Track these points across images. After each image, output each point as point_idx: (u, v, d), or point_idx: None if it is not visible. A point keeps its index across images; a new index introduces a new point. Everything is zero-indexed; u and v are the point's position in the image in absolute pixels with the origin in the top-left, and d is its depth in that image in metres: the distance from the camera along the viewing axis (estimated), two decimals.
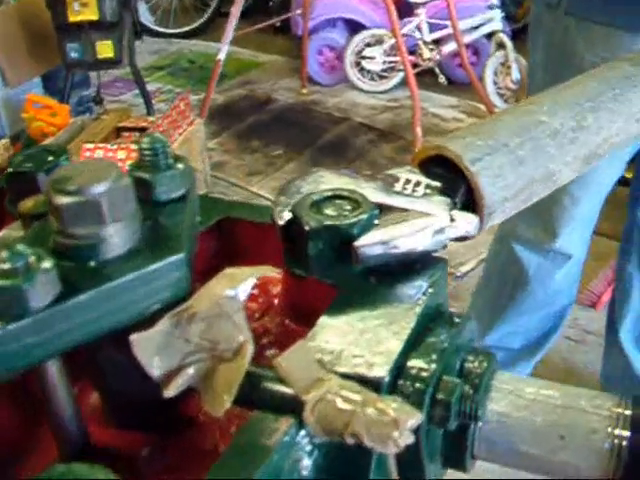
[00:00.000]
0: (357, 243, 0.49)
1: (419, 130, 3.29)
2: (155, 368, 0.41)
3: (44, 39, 3.34)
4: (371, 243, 0.49)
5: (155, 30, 5.40)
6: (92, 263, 0.40)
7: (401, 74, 4.16)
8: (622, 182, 3.23)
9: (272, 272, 0.45)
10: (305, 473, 0.41)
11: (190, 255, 0.43)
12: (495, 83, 4.02)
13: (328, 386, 0.41)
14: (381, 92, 4.37)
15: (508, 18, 4.12)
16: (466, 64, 3.87)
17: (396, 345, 0.45)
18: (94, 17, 3.21)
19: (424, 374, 0.45)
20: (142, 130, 3.06)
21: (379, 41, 4.25)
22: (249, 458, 0.38)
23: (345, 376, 0.43)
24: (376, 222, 0.51)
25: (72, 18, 3.19)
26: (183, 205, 0.46)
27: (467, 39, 4.05)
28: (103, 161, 0.41)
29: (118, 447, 0.47)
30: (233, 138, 3.96)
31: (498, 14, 4.06)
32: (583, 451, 0.48)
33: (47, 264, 0.37)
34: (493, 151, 0.59)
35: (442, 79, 4.32)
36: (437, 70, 4.29)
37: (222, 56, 3.69)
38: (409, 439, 0.39)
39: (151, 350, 0.40)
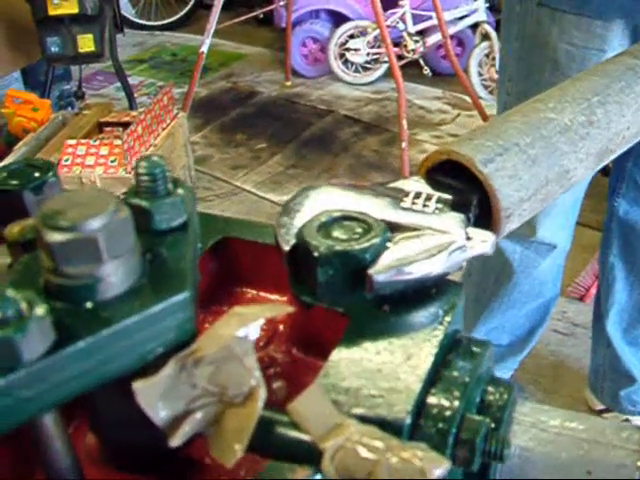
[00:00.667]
0: (371, 271, 0.46)
1: (404, 122, 3.26)
2: (160, 416, 0.37)
3: (24, 33, 3.28)
4: (386, 270, 0.46)
5: (136, 22, 5.33)
6: (88, 305, 0.36)
7: (385, 66, 4.13)
8: (607, 173, 3.24)
9: (283, 311, 0.42)
10: None
11: (195, 291, 0.39)
12: (480, 74, 4.00)
13: (347, 433, 0.38)
14: (365, 84, 4.34)
15: (492, 9, 4.09)
16: (451, 55, 3.83)
17: (416, 382, 0.42)
18: (74, 10, 3.16)
19: (447, 413, 0.42)
20: (125, 125, 3.02)
21: (363, 33, 4.21)
22: None
23: (364, 418, 0.40)
24: (388, 244, 0.48)
25: (52, 12, 3.13)
26: (185, 234, 0.42)
27: (451, 30, 4.02)
28: (98, 190, 0.38)
29: None
30: (217, 132, 3.92)
31: (482, 5, 4.04)
32: None
33: (40, 311, 0.33)
34: (504, 151, 0.56)
35: (427, 71, 4.29)
36: (422, 62, 4.26)
37: (205, 49, 3.64)
38: None
39: (156, 398, 0.37)
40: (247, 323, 0.37)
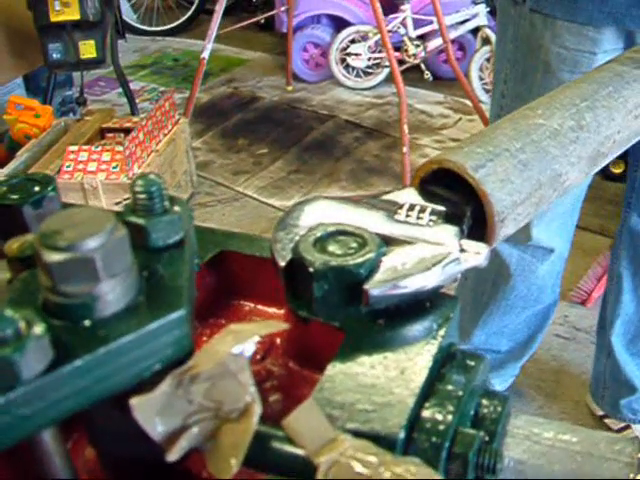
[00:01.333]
0: (367, 285, 0.46)
1: (406, 127, 3.26)
2: (157, 431, 0.38)
3: (26, 40, 3.30)
4: (382, 284, 0.46)
5: (138, 28, 5.35)
6: (86, 323, 0.37)
7: (386, 70, 4.14)
8: (610, 177, 3.25)
9: (278, 328, 0.42)
10: None
11: (191, 308, 0.40)
12: (481, 79, 4.00)
13: (342, 447, 0.38)
14: (366, 89, 4.35)
15: (493, 13, 4.10)
16: (452, 60, 3.84)
17: (409, 396, 0.42)
18: (76, 17, 3.17)
19: (440, 427, 0.42)
20: (126, 131, 3.03)
21: (364, 37, 4.22)
22: None
23: (357, 433, 0.40)
24: (383, 258, 0.48)
25: (54, 18, 3.14)
26: (181, 251, 0.43)
27: (452, 35, 4.03)
28: (96, 210, 0.39)
29: None
30: (218, 137, 3.92)
31: (483, 9, 4.04)
32: None
33: (38, 330, 0.34)
34: (495, 157, 0.57)
35: (427, 75, 4.30)
36: (422, 66, 4.27)
37: (206, 54, 3.65)
38: None
39: (152, 413, 0.38)
40: (242, 340, 0.38)
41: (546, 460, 0.46)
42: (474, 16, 4.07)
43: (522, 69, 1.64)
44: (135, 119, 3.22)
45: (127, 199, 2.73)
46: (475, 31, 4.12)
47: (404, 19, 4.08)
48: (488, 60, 3.95)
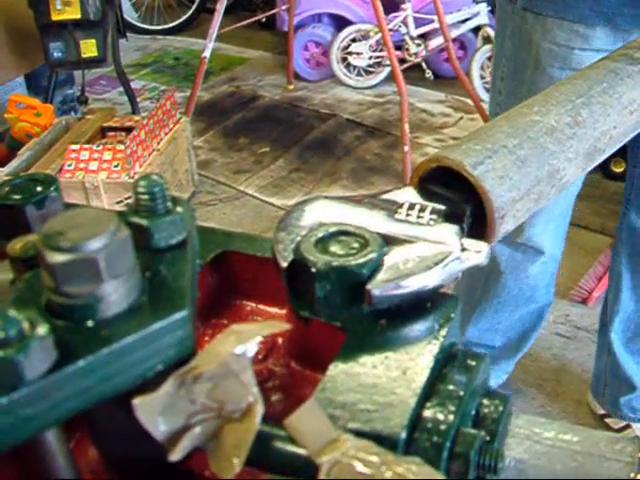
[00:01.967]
0: (370, 285, 0.46)
1: (407, 126, 3.26)
2: (160, 431, 0.38)
3: (27, 39, 3.30)
4: (384, 284, 0.46)
5: (139, 27, 5.35)
6: (89, 323, 0.37)
7: (387, 69, 4.14)
8: (611, 176, 3.25)
9: (280, 328, 0.42)
10: None
11: (193, 309, 0.40)
12: (482, 77, 4.00)
13: (344, 447, 0.38)
14: (368, 88, 4.35)
15: (494, 12, 4.10)
16: (453, 59, 3.84)
17: (411, 396, 0.43)
18: (77, 16, 3.17)
19: (441, 427, 0.42)
20: (128, 130, 3.03)
21: (365, 36, 4.22)
22: None
23: (359, 433, 0.40)
24: (385, 258, 0.49)
25: (55, 17, 3.15)
26: (183, 251, 0.43)
27: (453, 33, 4.03)
28: (99, 211, 0.39)
29: None
30: (219, 136, 3.92)
31: (484, 8, 4.04)
32: None
33: (42, 330, 0.34)
34: (493, 154, 0.57)
35: (429, 74, 4.30)
36: (424, 65, 4.27)
37: (207, 53, 3.65)
38: None
39: (155, 413, 0.38)
40: (245, 341, 0.38)
41: (547, 460, 0.47)
42: (475, 15, 4.07)
43: (515, 65, 1.65)
44: (136, 118, 3.22)
45: (128, 198, 2.73)
46: (476, 30, 4.11)
47: (405, 18, 4.08)
48: (489, 59, 3.94)
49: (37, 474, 0.40)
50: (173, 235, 0.44)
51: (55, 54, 3.25)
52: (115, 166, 2.80)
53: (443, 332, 0.47)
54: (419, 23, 4.12)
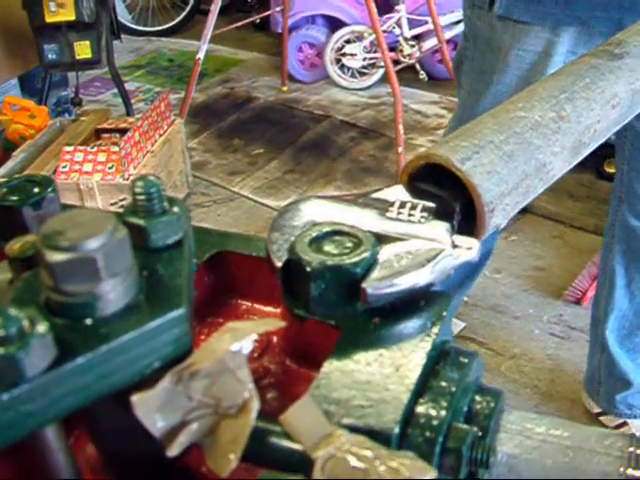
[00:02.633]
0: (365, 284, 0.47)
1: (401, 127, 3.27)
2: (157, 427, 0.39)
3: (21, 40, 3.30)
4: (379, 282, 0.47)
5: (133, 29, 5.35)
6: (88, 321, 0.38)
7: (381, 71, 4.15)
8: (605, 177, 3.26)
9: (276, 325, 0.43)
10: None
11: (190, 308, 0.41)
12: None
13: (338, 442, 0.39)
14: (362, 89, 4.36)
15: None
16: (447, 60, 3.85)
17: (404, 392, 0.43)
18: (71, 17, 3.17)
19: (434, 422, 0.43)
20: (122, 131, 3.03)
21: (359, 38, 4.23)
22: None
23: (353, 428, 0.41)
24: (379, 257, 0.49)
25: (49, 19, 3.14)
26: (180, 251, 0.44)
27: (447, 35, 4.04)
28: (97, 211, 0.39)
29: None
30: (214, 137, 3.93)
31: None
32: None
33: (41, 328, 0.35)
34: (480, 149, 0.58)
35: (423, 75, 4.31)
36: (418, 66, 4.28)
37: (201, 55, 3.65)
38: None
39: (153, 409, 0.38)
40: (240, 338, 0.39)
41: (538, 454, 0.47)
42: None
43: (480, 67, 1.70)
44: (130, 120, 3.23)
45: (123, 200, 2.74)
46: None
47: (399, 19, 4.09)
48: None
49: (36, 471, 0.40)
50: (170, 235, 0.44)
51: (49, 56, 3.25)
52: (109, 168, 2.80)
53: (435, 330, 0.48)
54: (413, 24, 4.13)
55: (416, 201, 0.55)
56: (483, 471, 0.46)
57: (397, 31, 4.10)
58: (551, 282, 2.77)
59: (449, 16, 4.07)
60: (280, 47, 4.42)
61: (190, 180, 3.37)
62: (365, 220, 0.53)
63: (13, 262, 0.48)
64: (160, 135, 3.08)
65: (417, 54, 4.11)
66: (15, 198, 0.54)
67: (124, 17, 5.25)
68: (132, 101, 3.79)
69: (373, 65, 4.25)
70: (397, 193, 0.57)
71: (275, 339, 0.55)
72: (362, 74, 4.35)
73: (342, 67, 4.33)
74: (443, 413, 0.44)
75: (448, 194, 0.56)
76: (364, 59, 4.23)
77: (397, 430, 0.41)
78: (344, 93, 4.35)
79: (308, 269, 0.47)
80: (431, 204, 0.55)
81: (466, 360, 0.48)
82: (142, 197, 0.44)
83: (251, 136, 3.92)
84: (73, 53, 3.28)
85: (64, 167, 2.80)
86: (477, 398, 0.48)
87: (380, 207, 0.55)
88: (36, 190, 0.54)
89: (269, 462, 0.40)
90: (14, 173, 2.74)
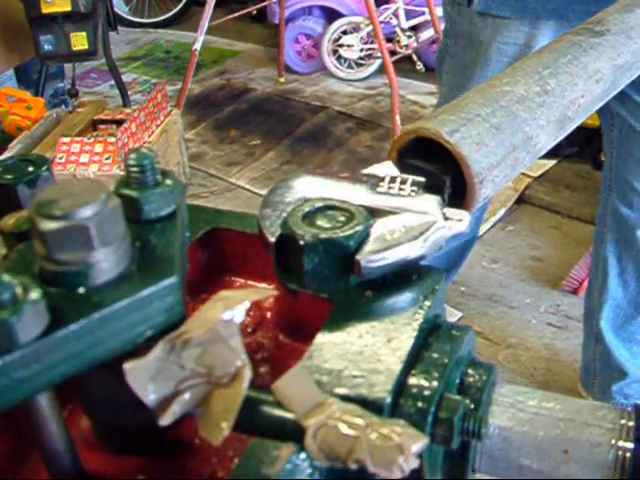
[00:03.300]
0: (359, 256, 0.47)
1: (398, 118, 3.27)
2: (150, 396, 0.39)
3: (17, 31, 3.29)
4: (373, 254, 0.47)
5: (130, 20, 5.34)
6: (81, 290, 0.38)
7: (378, 62, 4.14)
8: (600, 166, 3.25)
9: (267, 294, 0.43)
10: None
11: (183, 277, 0.41)
12: None
13: (329, 411, 0.39)
14: (359, 80, 4.35)
15: None
16: None
17: (396, 363, 0.44)
18: (67, 8, 3.16)
19: (426, 393, 0.43)
20: (119, 122, 3.03)
21: (356, 29, 4.22)
22: None
23: (345, 398, 0.41)
24: (371, 230, 0.50)
25: (45, 10, 3.14)
26: (173, 223, 0.44)
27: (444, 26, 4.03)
28: (90, 181, 0.40)
29: (112, 474, 0.46)
30: (211, 129, 3.93)
31: None
32: (587, 465, 0.47)
33: (35, 295, 0.35)
34: (468, 122, 0.59)
35: (420, 66, 4.30)
36: (414, 57, 4.27)
37: (198, 46, 3.65)
38: (414, 464, 0.38)
39: (145, 378, 0.39)
40: (232, 306, 0.39)
41: (530, 426, 0.48)
42: None
43: (461, 62, 1.74)
44: (127, 111, 3.22)
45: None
46: None
47: (396, 10, 4.09)
48: None
49: (29, 440, 0.41)
50: (162, 207, 0.44)
51: (45, 47, 3.24)
52: (106, 159, 2.80)
53: (428, 303, 0.48)
54: (410, 15, 4.13)
55: (406, 176, 0.55)
56: (475, 442, 0.46)
57: (394, 22, 4.10)
58: (548, 272, 2.78)
59: None
60: (277, 38, 4.41)
61: (187, 171, 3.37)
62: (356, 195, 0.53)
63: (7, 237, 0.48)
64: (157, 126, 3.08)
65: (414, 45, 4.10)
66: (10, 177, 0.54)
67: (121, 8, 5.24)
68: (129, 92, 3.78)
69: (370, 56, 4.24)
70: (387, 169, 0.57)
71: (269, 315, 0.55)
72: (359, 65, 4.34)
73: (339, 58, 4.33)
74: (435, 384, 0.44)
75: (437, 168, 0.57)
76: (361, 50, 4.22)
77: (389, 399, 0.42)
78: (341, 84, 4.35)
79: (302, 243, 0.47)
80: (421, 178, 0.55)
81: (458, 333, 0.48)
82: (135, 169, 0.44)
83: (248, 127, 3.91)
84: (69, 44, 3.27)
85: (61, 158, 2.80)
86: (470, 371, 0.48)
87: (371, 182, 0.55)
88: (31, 169, 0.54)
89: (261, 431, 0.41)
90: None
